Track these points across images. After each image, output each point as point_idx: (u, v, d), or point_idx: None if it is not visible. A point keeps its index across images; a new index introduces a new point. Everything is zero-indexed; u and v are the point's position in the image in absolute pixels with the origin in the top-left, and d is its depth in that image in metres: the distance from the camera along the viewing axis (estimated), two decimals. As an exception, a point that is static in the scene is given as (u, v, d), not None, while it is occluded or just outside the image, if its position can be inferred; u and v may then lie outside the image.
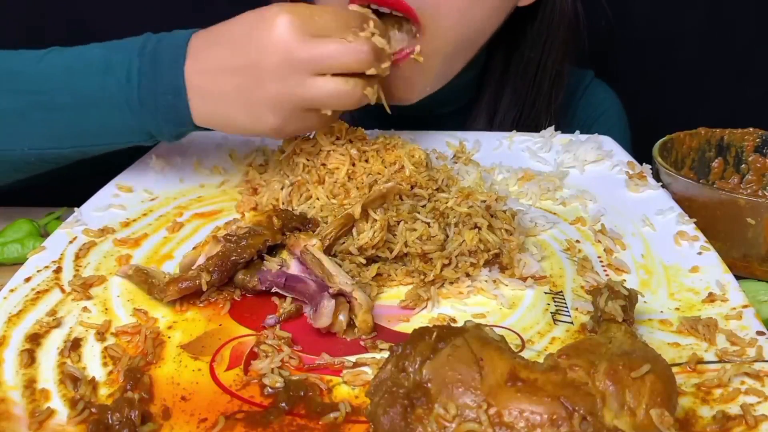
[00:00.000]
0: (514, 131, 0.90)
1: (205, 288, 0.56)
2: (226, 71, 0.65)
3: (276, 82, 0.64)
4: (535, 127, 0.95)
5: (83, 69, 0.68)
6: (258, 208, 0.70)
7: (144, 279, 0.58)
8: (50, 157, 0.73)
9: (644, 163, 0.80)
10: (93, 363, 0.50)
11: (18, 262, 0.71)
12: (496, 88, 0.98)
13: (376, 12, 0.73)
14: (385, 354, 0.48)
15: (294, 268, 0.58)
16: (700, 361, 0.50)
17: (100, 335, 0.52)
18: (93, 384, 0.47)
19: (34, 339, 0.51)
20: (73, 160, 0.75)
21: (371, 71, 0.65)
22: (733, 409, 0.45)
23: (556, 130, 0.89)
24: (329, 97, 0.65)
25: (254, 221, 0.62)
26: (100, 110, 0.68)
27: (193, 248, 0.61)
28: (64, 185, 0.87)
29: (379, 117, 0.94)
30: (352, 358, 0.50)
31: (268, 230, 0.60)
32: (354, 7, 0.72)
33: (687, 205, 0.73)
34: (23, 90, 0.69)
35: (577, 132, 0.88)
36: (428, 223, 0.61)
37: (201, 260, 0.58)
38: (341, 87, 0.64)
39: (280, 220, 0.61)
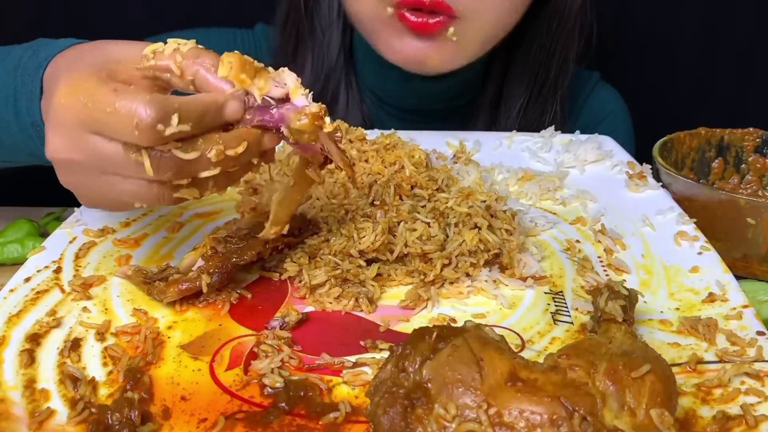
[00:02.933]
0: (514, 131, 0.90)
1: (205, 290, 0.56)
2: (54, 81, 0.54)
3: (62, 95, 0.49)
4: (541, 114, 0.96)
5: None
6: (258, 208, 0.70)
7: (143, 279, 0.58)
8: None
9: (644, 163, 0.80)
10: (93, 363, 0.50)
11: (18, 262, 0.71)
12: (502, 75, 0.99)
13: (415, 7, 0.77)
14: (385, 354, 0.48)
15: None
16: (700, 361, 0.50)
17: (100, 335, 0.52)
18: (93, 384, 0.47)
19: (34, 339, 0.51)
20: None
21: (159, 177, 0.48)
22: (733, 409, 0.45)
23: (561, 130, 0.89)
24: (109, 157, 0.48)
25: (254, 222, 0.62)
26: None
27: (194, 249, 0.61)
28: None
29: (388, 108, 0.95)
30: (352, 358, 0.50)
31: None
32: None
33: (687, 205, 0.73)
34: None
35: (578, 132, 0.88)
36: (428, 223, 0.61)
37: (200, 262, 0.58)
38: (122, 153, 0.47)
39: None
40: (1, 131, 0.68)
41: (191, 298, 0.57)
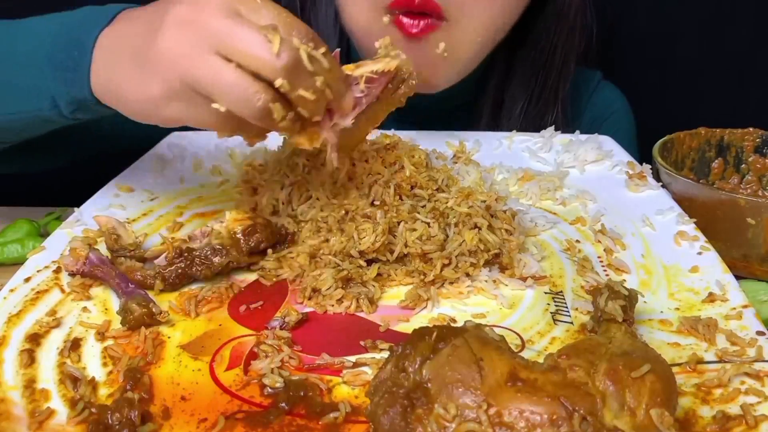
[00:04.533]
0: (515, 131, 0.90)
1: (155, 294, 0.58)
2: (137, 24, 0.59)
3: (171, 37, 0.53)
4: (541, 118, 0.95)
5: (10, 33, 0.66)
6: (258, 208, 0.70)
7: (112, 244, 0.61)
8: None
9: (644, 163, 0.80)
10: (93, 363, 0.50)
11: (18, 262, 0.71)
12: (503, 79, 0.99)
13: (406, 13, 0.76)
14: (385, 354, 0.48)
15: None
16: (700, 361, 0.50)
17: (100, 335, 0.52)
18: (93, 384, 0.47)
19: (34, 339, 0.51)
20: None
21: (281, 85, 0.52)
22: (733, 409, 0.45)
23: (563, 129, 0.89)
24: (225, 88, 0.52)
25: (233, 226, 0.62)
26: (11, 69, 0.65)
27: (162, 242, 0.61)
28: (64, 185, 0.87)
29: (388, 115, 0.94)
30: (352, 358, 0.50)
31: (236, 251, 0.60)
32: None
33: (687, 205, 0.73)
34: None
35: (578, 132, 0.88)
36: (428, 224, 0.61)
37: (162, 260, 0.60)
38: (242, 83, 0.51)
39: (250, 241, 0.61)
40: (20, 69, 0.64)
41: (189, 301, 0.57)
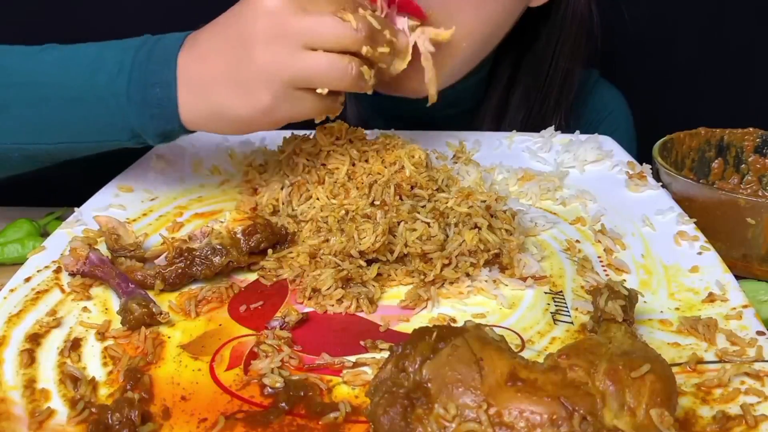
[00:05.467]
0: (515, 131, 0.90)
1: (155, 294, 0.57)
2: (215, 51, 0.63)
3: (265, 52, 0.61)
4: (542, 126, 0.95)
5: (74, 63, 0.67)
6: (258, 208, 0.70)
7: (113, 243, 0.61)
8: (34, 153, 0.70)
9: (644, 163, 0.80)
10: (93, 363, 0.50)
11: (18, 262, 0.71)
12: (504, 90, 0.98)
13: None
14: (385, 354, 0.48)
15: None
16: (700, 361, 0.50)
17: (101, 335, 0.52)
18: (93, 384, 0.47)
19: (34, 339, 0.51)
20: (59, 159, 0.73)
21: (366, 51, 0.63)
22: (733, 409, 0.45)
23: (562, 131, 0.89)
24: (322, 73, 0.61)
25: (233, 226, 0.62)
26: (85, 104, 0.66)
27: (162, 242, 0.61)
28: (64, 185, 0.87)
29: (388, 117, 0.94)
30: (352, 358, 0.50)
31: (236, 251, 0.60)
32: None
33: (687, 205, 0.73)
34: (11, 83, 0.67)
35: (577, 132, 0.88)
36: (428, 223, 0.61)
37: (162, 260, 0.60)
38: (336, 62, 0.61)
39: (250, 241, 0.62)
40: (94, 104, 0.66)
41: (189, 301, 0.57)
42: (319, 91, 0.63)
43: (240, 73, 0.62)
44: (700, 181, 0.89)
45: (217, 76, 0.63)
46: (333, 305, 0.57)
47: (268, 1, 0.60)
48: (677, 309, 0.57)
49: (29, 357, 0.49)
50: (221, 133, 0.70)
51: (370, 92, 0.67)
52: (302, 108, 0.64)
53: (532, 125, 0.96)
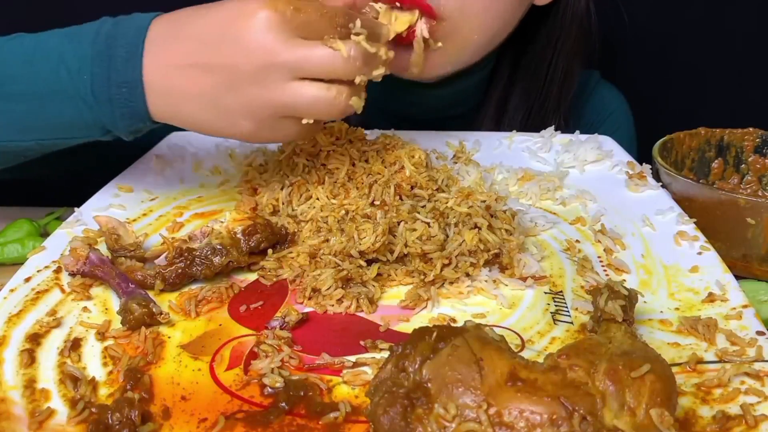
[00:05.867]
0: (515, 131, 0.90)
1: (155, 294, 0.57)
2: (192, 68, 0.60)
3: (253, 86, 0.59)
4: (542, 126, 0.95)
5: (39, 58, 0.64)
6: (258, 208, 0.70)
7: (113, 243, 0.61)
8: (10, 149, 0.68)
9: (644, 163, 0.80)
10: (93, 363, 0.50)
11: (18, 262, 0.71)
12: (505, 89, 0.98)
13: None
14: (385, 354, 0.48)
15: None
16: (700, 361, 0.50)
17: (101, 335, 0.52)
18: (93, 384, 0.47)
19: (34, 339, 0.51)
20: (36, 154, 0.70)
21: (359, 80, 0.60)
22: (733, 409, 0.45)
23: (563, 131, 0.89)
24: (310, 105, 0.59)
25: (233, 226, 0.63)
26: (53, 102, 0.63)
27: (162, 242, 0.61)
28: (64, 185, 0.87)
29: (389, 118, 0.94)
30: (352, 358, 0.50)
31: (236, 251, 0.60)
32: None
33: (687, 205, 0.73)
34: None
35: (577, 132, 0.88)
36: (428, 223, 0.61)
37: (162, 260, 0.60)
38: (323, 94, 0.59)
39: (250, 241, 0.62)
40: (59, 103, 0.63)
41: (189, 301, 0.57)
42: (304, 121, 0.61)
43: (219, 98, 0.60)
44: (700, 181, 0.89)
45: (193, 95, 0.61)
46: (333, 305, 0.57)
47: (256, 29, 0.58)
48: (677, 309, 0.57)
49: (29, 357, 0.49)
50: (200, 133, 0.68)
51: (359, 113, 0.64)
52: (284, 134, 0.64)
53: (532, 125, 0.96)
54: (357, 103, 0.61)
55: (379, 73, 0.63)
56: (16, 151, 0.69)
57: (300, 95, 0.59)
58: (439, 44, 0.79)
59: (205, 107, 0.61)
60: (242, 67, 0.58)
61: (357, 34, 0.60)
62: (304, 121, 0.61)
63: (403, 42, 0.76)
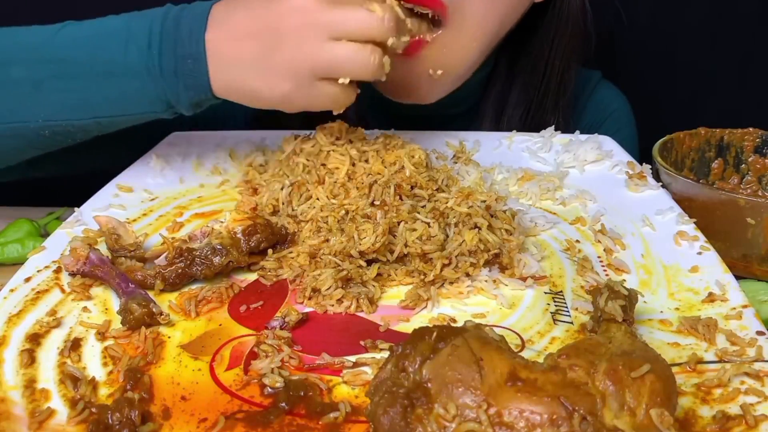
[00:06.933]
0: (515, 131, 0.90)
1: (155, 294, 0.57)
2: (245, 37, 0.65)
3: (293, 45, 0.63)
4: (542, 125, 0.95)
5: (103, 37, 0.68)
6: (258, 208, 0.70)
7: (113, 243, 0.61)
8: (66, 129, 0.71)
9: (644, 163, 0.80)
10: (93, 363, 0.50)
11: (18, 262, 0.71)
12: (503, 86, 0.98)
13: None
14: (385, 354, 0.48)
15: None
16: (700, 361, 0.50)
17: (101, 335, 0.52)
18: (93, 384, 0.47)
19: (34, 339, 0.51)
20: (90, 135, 0.74)
21: (391, 41, 0.65)
22: (733, 409, 0.45)
23: (563, 130, 0.89)
24: (346, 62, 0.64)
25: (234, 226, 0.62)
26: (118, 78, 0.68)
27: (162, 242, 0.61)
28: (64, 185, 0.87)
29: (388, 116, 0.94)
30: (352, 358, 0.50)
31: (236, 251, 0.60)
32: None
33: (687, 205, 0.73)
34: (40, 59, 0.69)
35: (577, 132, 0.88)
36: (428, 223, 0.61)
37: (162, 260, 0.60)
38: (359, 51, 0.63)
39: (250, 241, 0.62)
40: (126, 78, 0.68)
41: (189, 301, 0.57)
42: (341, 81, 0.65)
43: (266, 60, 0.65)
44: (700, 181, 0.89)
45: (245, 61, 0.66)
46: (333, 305, 0.57)
47: None
48: (677, 309, 0.57)
49: (29, 357, 0.49)
50: (249, 106, 0.71)
51: (383, 79, 0.68)
52: (321, 98, 0.67)
53: (531, 123, 0.96)
54: (388, 63, 0.66)
55: (405, 39, 0.69)
56: (71, 131, 0.72)
57: (337, 54, 0.63)
58: (439, 72, 0.80)
59: (255, 72, 0.66)
60: (283, 28, 0.64)
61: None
62: (341, 81, 0.65)
63: (408, 52, 0.76)
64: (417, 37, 0.77)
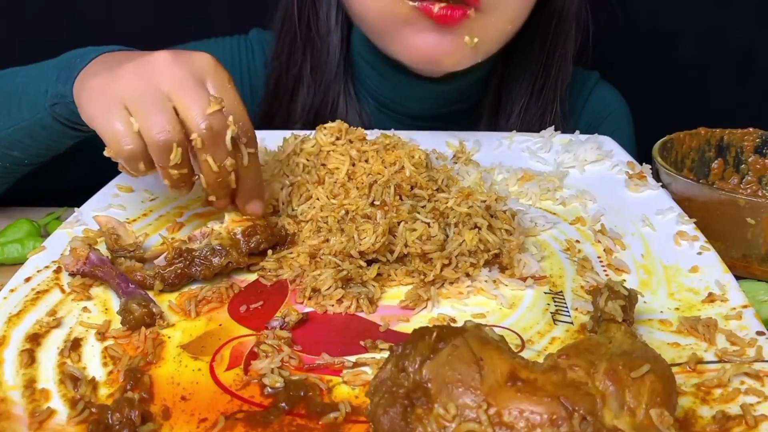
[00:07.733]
0: (514, 131, 0.90)
1: (154, 294, 0.57)
2: (96, 74, 0.64)
3: (128, 80, 0.59)
4: (541, 116, 0.95)
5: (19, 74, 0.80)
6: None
7: (112, 244, 0.61)
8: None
9: (644, 163, 0.80)
10: (93, 363, 0.50)
11: (18, 262, 0.71)
12: (502, 78, 0.99)
13: None
14: (385, 354, 0.48)
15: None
16: (700, 361, 0.50)
17: (101, 335, 0.52)
18: (93, 384, 0.47)
19: (34, 339, 0.51)
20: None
21: (194, 139, 0.57)
22: (733, 409, 0.45)
23: (562, 131, 0.89)
24: (150, 110, 0.57)
25: (233, 227, 0.62)
26: (19, 104, 0.76)
27: (162, 242, 0.61)
28: (64, 185, 0.87)
29: (389, 116, 0.95)
30: (352, 358, 0.50)
31: (235, 252, 0.60)
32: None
33: (687, 205, 0.73)
34: None
35: (577, 132, 0.88)
36: (428, 224, 0.61)
37: (161, 260, 0.60)
38: (166, 114, 0.57)
39: (250, 242, 0.62)
40: (28, 107, 0.75)
41: (189, 301, 0.57)
42: (132, 120, 0.58)
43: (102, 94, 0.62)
44: (700, 181, 0.89)
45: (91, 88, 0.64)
46: (333, 305, 0.57)
47: (154, 57, 0.59)
48: (677, 309, 0.57)
49: (29, 357, 0.49)
50: None
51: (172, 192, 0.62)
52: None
53: (530, 117, 0.97)
54: (176, 156, 0.57)
55: (209, 167, 0.59)
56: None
57: (152, 101, 0.57)
58: (476, 39, 0.81)
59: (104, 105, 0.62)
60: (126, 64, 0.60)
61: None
62: (132, 120, 0.58)
63: (447, 21, 0.77)
64: (462, 9, 0.78)
